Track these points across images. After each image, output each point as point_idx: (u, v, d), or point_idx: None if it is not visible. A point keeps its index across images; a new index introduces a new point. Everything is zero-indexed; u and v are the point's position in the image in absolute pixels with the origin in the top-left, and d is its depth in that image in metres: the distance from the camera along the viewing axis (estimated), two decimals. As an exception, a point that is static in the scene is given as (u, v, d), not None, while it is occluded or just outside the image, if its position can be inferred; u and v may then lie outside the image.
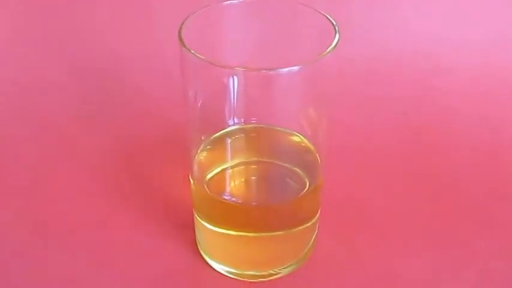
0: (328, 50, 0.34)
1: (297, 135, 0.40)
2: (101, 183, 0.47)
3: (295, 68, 0.33)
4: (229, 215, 0.38)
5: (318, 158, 0.39)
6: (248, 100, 0.38)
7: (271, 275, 0.40)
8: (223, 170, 0.40)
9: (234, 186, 0.40)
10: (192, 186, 0.40)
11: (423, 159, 0.50)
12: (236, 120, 0.39)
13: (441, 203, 0.46)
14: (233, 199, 0.39)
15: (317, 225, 0.42)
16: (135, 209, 0.45)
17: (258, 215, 0.38)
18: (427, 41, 0.59)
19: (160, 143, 0.51)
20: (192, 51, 0.33)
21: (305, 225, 0.40)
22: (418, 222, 0.45)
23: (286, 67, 0.33)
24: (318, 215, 0.41)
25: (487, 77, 0.58)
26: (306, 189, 0.39)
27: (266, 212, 0.38)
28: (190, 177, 0.40)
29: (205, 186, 0.39)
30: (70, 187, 0.47)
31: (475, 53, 0.59)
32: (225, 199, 0.39)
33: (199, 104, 0.38)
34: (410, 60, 0.58)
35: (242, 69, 0.33)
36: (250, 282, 0.40)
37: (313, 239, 0.42)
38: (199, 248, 0.42)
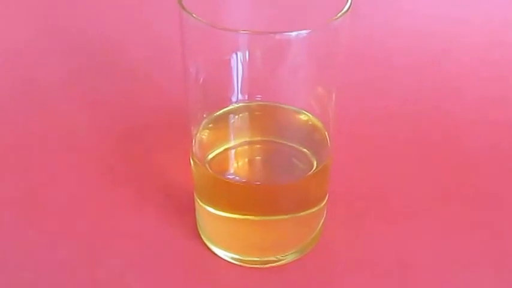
0: (339, 14, 0.32)
1: (305, 113, 0.38)
2: (96, 166, 0.45)
3: (304, 32, 0.31)
4: (232, 196, 0.36)
5: (327, 137, 0.37)
6: (253, 75, 0.35)
7: (276, 261, 0.38)
8: (226, 150, 0.38)
9: (237, 166, 0.38)
10: (193, 168, 0.38)
11: (434, 142, 0.48)
12: (240, 97, 0.37)
13: (454, 187, 0.44)
14: (236, 178, 0.37)
15: (325, 211, 0.40)
16: (132, 193, 0.43)
17: (262, 196, 0.36)
18: (436, 22, 0.58)
19: (159, 124, 0.49)
20: (194, 14, 0.31)
21: (312, 210, 0.38)
22: (432, 208, 0.43)
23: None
24: (326, 200, 0.39)
25: (498, 57, 0.56)
26: (313, 169, 0.36)
27: (271, 192, 0.36)
28: (190, 159, 0.38)
29: (207, 166, 0.37)
30: (64, 170, 0.45)
31: (484, 34, 0.57)
32: (227, 178, 0.37)
33: (200, 80, 0.35)
34: (419, 42, 0.57)
35: (247, 32, 0.31)
36: (253, 268, 0.38)
37: (320, 224, 0.39)
38: (200, 233, 0.40)
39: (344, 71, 0.36)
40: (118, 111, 0.51)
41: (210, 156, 0.37)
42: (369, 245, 0.40)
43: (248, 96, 0.37)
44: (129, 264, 0.39)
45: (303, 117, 0.38)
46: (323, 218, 0.40)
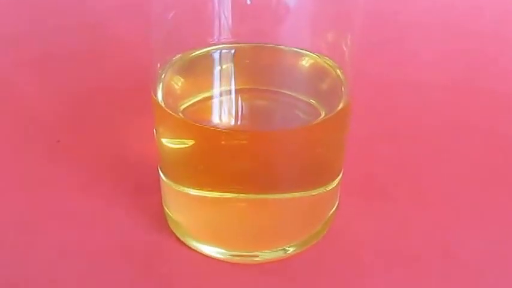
0: None
1: (310, 55, 0.30)
2: (41, 136, 0.39)
3: None
4: (214, 158, 0.28)
5: (342, 81, 0.29)
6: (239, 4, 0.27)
7: (273, 256, 0.30)
8: (206, 99, 0.30)
9: (220, 114, 0.30)
10: (156, 136, 0.30)
11: (468, 115, 0.42)
12: (222, 36, 0.29)
13: (492, 168, 0.37)
14: (219, 125, 0.29)
15: (338, 193, 0.32)
16: (81, 170, 0.36)
17: (253, 155, 0.27)
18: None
19: (118, 89, 0.43)
20: None
21: (321, 189, 0.30)
22: (469, 192, 0.35)
23: None
24: (339, 178, 0.31)
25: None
26: (320, 117, 0.28)
27: (264, 146, 0.27)
28: (154, 128, 0.30)
29: (180, 115, 0.28)
30: (3, 140, 0.39)
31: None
32: (207, 126, 0.28)
33: (170, 16, 0.28)
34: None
35: None
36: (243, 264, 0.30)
37: (332, 211, 0.31)
38: (169, 223, 0.31)
39: (363, 16, 0.29)
40: (70, 73, 0.45)
41: (184, 106, 0.29)
42: (390, 238, 0.32)
43: (233, 34, 0.29)
44: (76, 260, 0.30)
45: (306, 60, 0.30)
46: (335, 202, 0.32)
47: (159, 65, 0.29)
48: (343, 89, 0.29)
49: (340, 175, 0.31)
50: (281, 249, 0.30)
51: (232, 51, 0.30)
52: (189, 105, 0.29)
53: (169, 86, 0.29)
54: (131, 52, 0.46)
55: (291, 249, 0.30)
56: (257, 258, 0.29)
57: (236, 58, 0.30)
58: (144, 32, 0.29)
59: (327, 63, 0.30)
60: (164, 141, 0.29)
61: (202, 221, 0.30)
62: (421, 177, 0.36)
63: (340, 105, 0.28)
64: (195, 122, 0.28)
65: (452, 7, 0.52)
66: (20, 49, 0.48)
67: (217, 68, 0.30)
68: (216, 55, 0.30)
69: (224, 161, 0.28)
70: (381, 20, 0.49)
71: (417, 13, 0.51)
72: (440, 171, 0.37)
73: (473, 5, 0.52)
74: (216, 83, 0.30)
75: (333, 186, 0.30)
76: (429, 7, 0.52)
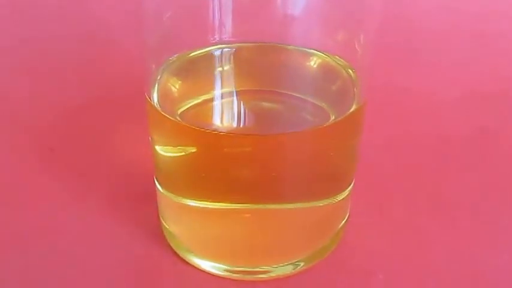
0: None
1: (319, 54, 0.28)
2: (33, 145, 0.38)
3: None
4: (214, 164, 0.26)
5: (353, 80, 0.27)
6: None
7: (277, 272, 0.28)
8: (206, 102, 0.28)
9: (222, 118, 0.28)
10: (151, 143, 0.28)
11: (485, 122, 0.41)
12: (223, 35, 0.27)
13: (499, 170, 0.36)
14: (220, 129, 0.27)
15: (349, 204, 0.30)
16: (74, 180, 0.35)
17: (256, 161, 0.25)
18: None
19: (113, 98, 0.41)
20: None
21: (330, 199, 0.27)
22: (489, 203, 0.34)
23: None
24: (350, 188, 0.29)
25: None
26: (329, 121, 0.26)
27: (268, 150, 0.25)
28: (149, 135, 0.28)
29: (178, 118, 0.26)
30: (0, 149, 0.38)
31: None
32: (207, 130, 0.26)
33: (166, 13, 0.26)
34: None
35: None
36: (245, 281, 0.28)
37: (342, 223, 0.29)
38: (166, 236, 0.30)
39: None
40: (63, 80, 0.44)
41: (182, 109, 0.27)
42: (404, 252, 0.30)
43: (235, 33, 0.27)
44: (67, 274, 0.29)
45: (315, 59, 0.28)
46: (346, 213, 0.30)
47: (154, 65, 0.27)
48: (355, 90, 0.27)
49: (352, 184, 0.29)
50: (286, 265, 0.27)
51: (234, 50, 0.28)
52: (188, 108, 0.27)
53: (165, 88, 0.27)
54: (125, 58, 0.45)
55: (298, 266, 0.27)
56: (263, 275, 0.27)
57: (239, 57, 0.28)
58: (138, 31, 0.27)
59: (338, 63, 0.28)
60: (160, 148, 0.27)
61: (202, 234, 0.28)
62: (438, 188, 0.34)
63: (352, 108, 0.26)
64: (194, 126, 0.25)
65: (469, 14, 0.50)
66: (12, 57, 0.47)
67: (218, 68, 0.28)
68: (218, 54, 0.28)
69: (226, 168, 0.26)
70: (395, 25, 0.47)
71: (433, 20, 0.50)
72: (458, 182, 0.35)
73: (491, 12, 0.50)
74: (218, 84, 0.28)
75: (344, 196, 0.28)
76: (446, 13, 0.51)
